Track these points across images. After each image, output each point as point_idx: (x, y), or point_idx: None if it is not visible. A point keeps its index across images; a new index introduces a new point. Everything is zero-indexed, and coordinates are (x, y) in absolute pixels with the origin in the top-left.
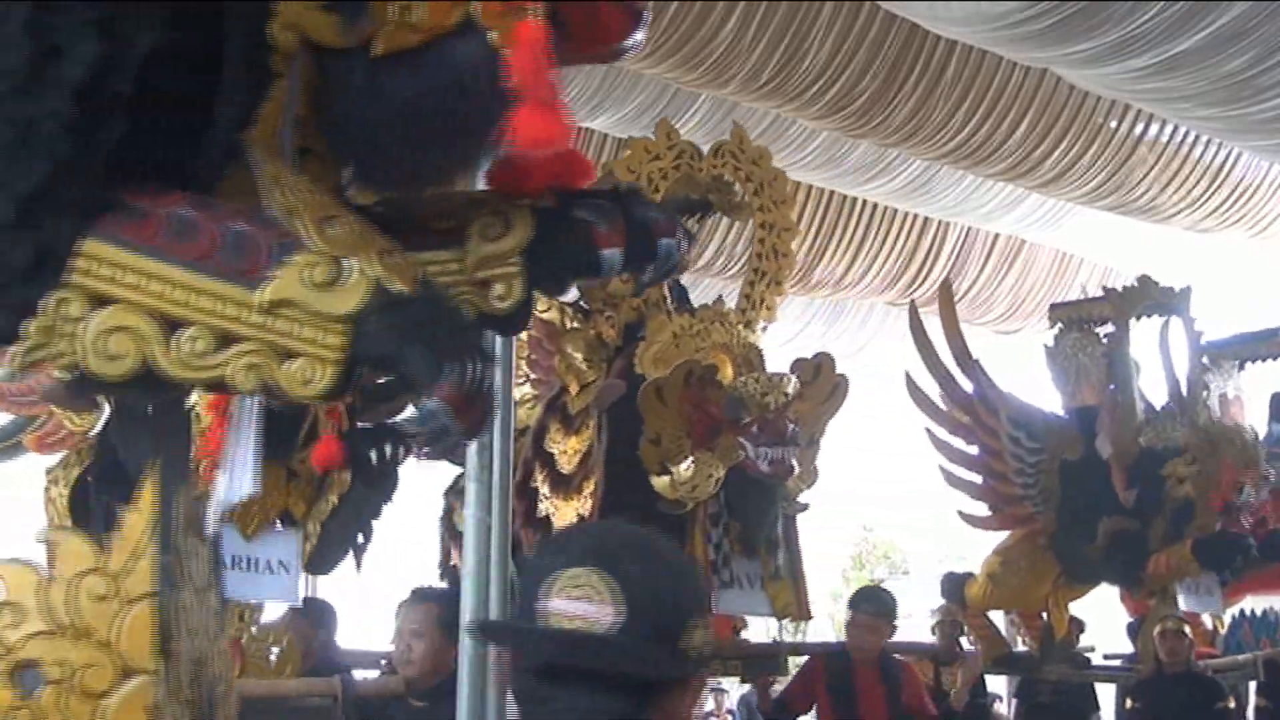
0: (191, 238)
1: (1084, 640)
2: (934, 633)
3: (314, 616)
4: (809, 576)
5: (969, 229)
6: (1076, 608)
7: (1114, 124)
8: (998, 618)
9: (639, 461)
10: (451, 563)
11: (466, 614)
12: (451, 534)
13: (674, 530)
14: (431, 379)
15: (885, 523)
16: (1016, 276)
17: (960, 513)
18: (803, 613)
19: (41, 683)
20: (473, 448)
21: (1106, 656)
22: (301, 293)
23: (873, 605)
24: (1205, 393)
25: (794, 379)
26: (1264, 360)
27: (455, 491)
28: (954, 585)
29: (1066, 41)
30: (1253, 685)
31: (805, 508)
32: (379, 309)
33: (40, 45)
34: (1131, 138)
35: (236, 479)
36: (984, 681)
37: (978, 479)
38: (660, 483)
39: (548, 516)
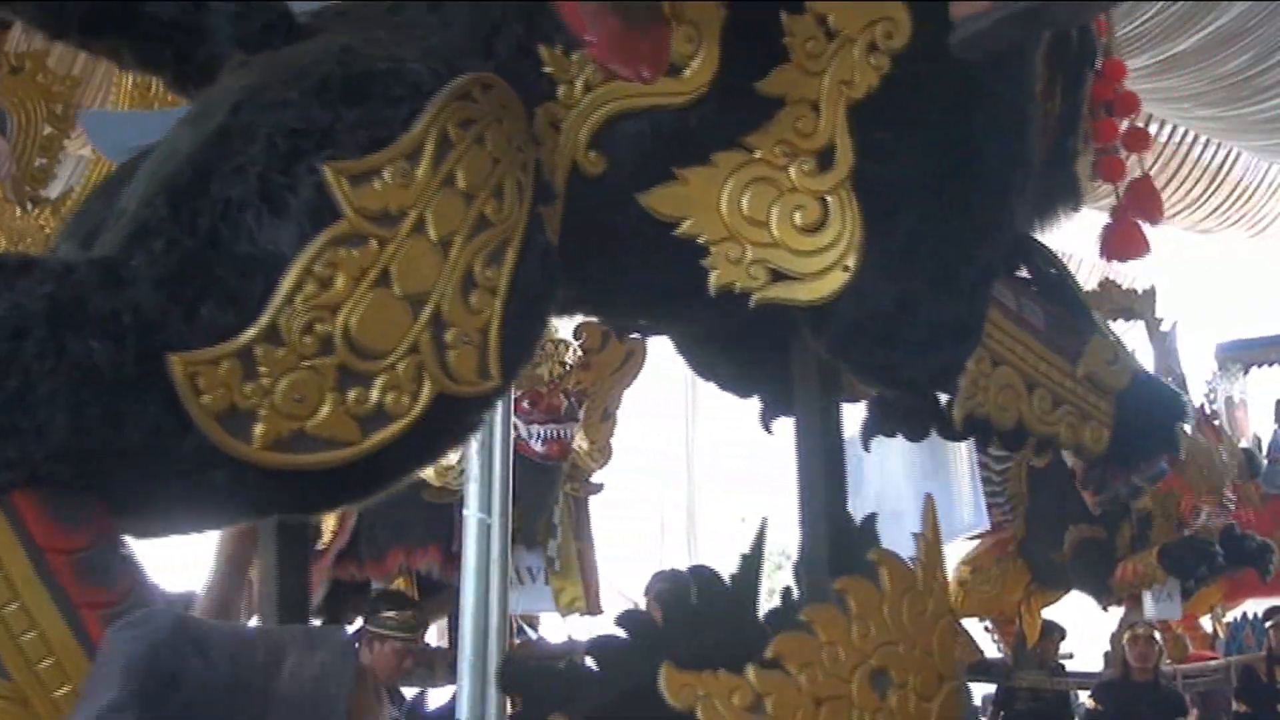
0: (1031, 312)
1: (1065, 648)
2: None
3: None
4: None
5: None
6: (1062, 616)
7: None
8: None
9: None
10: None
11: (467, 614)
12: None
13: (440, 521)
14: (1170, 451)
15: None
16: None
17: None
18: (592, 607)
19: (890, 686)
20: (473, 448)
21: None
22: (1099, 369)
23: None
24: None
25: (573, 347)
26: (1271, 365)
27: None
28: None
29: None
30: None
31: (599, 489)
32: (1133, 391)
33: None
34: None
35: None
36: None
37: None
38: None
39: None
